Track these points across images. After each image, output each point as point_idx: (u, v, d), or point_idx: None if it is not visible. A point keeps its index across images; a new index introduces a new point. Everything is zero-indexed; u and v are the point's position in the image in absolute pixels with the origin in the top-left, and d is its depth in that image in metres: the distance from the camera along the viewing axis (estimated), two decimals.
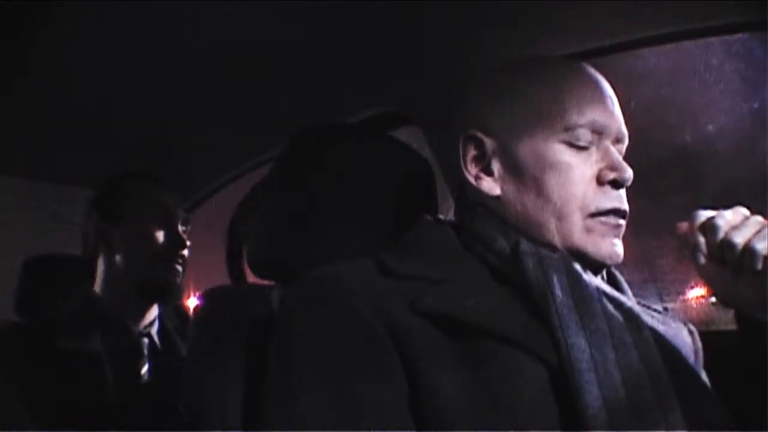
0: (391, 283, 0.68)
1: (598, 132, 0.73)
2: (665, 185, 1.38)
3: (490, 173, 0.76)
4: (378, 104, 1.31)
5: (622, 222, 0.74)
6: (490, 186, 0.76)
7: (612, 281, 0.78)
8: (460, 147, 0.78)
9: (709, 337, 1.00)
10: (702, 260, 0.66)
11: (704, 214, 0.67)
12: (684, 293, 1.47)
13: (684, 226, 0.69)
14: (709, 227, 0.66)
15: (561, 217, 0.72)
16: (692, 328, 0.83)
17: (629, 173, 0.73)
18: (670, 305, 1.46)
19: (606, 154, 0.73)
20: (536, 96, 0.74)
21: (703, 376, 0.77)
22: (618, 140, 0.76)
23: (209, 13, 1.01)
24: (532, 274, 0.67)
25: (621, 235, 0.74)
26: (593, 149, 0.73)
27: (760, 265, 0.63)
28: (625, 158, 0.75)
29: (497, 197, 0.75)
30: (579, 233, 0.72)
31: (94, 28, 1.05)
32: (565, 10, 0.97)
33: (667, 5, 0.91)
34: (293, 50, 1.12)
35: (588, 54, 1.07)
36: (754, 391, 0.69)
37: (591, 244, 0.72)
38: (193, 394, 0.81)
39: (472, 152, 0.77)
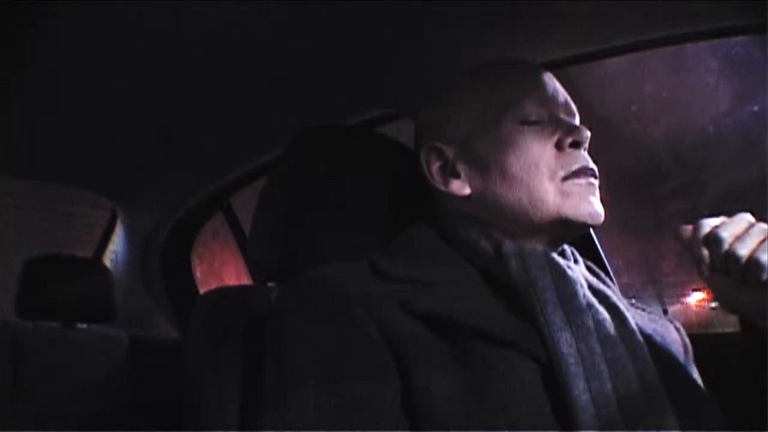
0: (383, 285, 0.69)
1: (546, 105, 0.77)
2: (665, 189, 1.37)
3: (456, 176, 0.79)
4: (377, 105, 1.31)
5: (594, 181, 0.76)
6: (459, 187, 0.78)
7: (594, 275, 0.78)
8: (423, 160, 0.81)
9: (709, 339, 1.00)
10: (706, 273, 0.65)
11: (708, 225, 0.65)
12: (684, 296, 1.46)
13: (688, 230, 0.67)
14: (713, 239, 0.64)
15: (531, 190, 0.74)
16: (678, 324, 0.84)
17: (586, 133, 0.76)
18: (670, 308, 1.46)
19: (559, 122, 0.77)
20: (484, 94, 0.79)
21: (694, 371, 0.77)
22: (568, 113, 0.79)
23: (209, 15, 1.01)
24: (517, 275, 0.68)
25: (597, 194, 0.76)
26: (546, 123, 0.76)
27: (765, 277, 0.61)
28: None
29: (468, 196, 0.78)
30: (554, 199, 0.73)
31: (94, 28, 1.05)
32: (565, 11, 0.97)
33: (666, 7, 0.91)
34: (293, 52, 1.12)
35: (588, 57, 1.07)
36: (756, 393, 0.70)
37: (569, 207, 0.73)
38: (193, 395, 0.81)
39: (435, 162, 0.81)
